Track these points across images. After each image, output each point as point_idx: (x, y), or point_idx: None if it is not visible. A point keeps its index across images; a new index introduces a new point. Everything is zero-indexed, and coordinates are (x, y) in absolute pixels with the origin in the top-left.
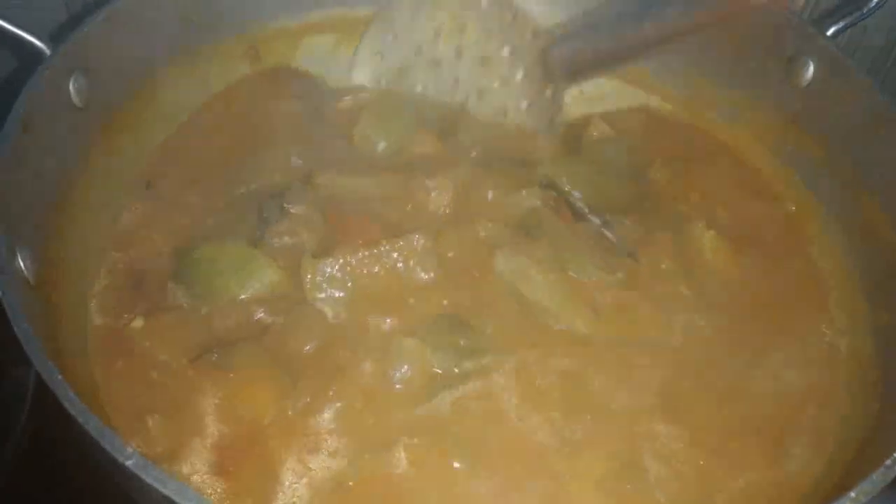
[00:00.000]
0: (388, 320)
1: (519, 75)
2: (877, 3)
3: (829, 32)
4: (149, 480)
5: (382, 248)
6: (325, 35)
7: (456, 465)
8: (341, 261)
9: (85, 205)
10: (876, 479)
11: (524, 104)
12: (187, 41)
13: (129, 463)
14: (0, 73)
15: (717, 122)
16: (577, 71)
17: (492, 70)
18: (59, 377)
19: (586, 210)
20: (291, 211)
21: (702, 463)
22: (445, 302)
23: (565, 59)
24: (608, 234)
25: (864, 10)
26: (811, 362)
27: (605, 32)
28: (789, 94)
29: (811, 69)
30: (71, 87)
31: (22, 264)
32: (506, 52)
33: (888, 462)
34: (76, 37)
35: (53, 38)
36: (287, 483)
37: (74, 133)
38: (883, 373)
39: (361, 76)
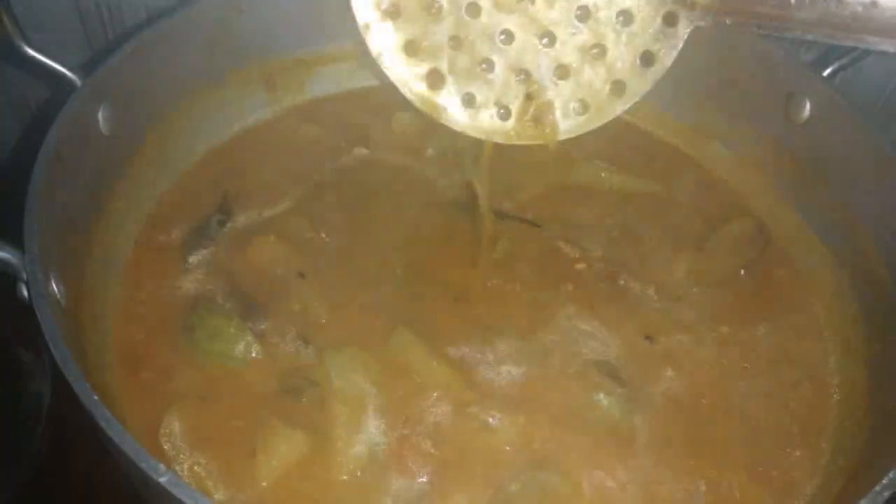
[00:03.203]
0: None
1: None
2: None
3: (827, 72)
4: (182, 498)
5: None
6: (339, 64)
7: None
8: None
9: (108, 230)
10: None
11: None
12: (208, 72)
13: (162, 480)
14: (34, 103)
15: (719, 154)
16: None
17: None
18: (95, 398)
19: None
20: None
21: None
22: None
23: None
24: None
25: (862, 50)
26: (805, 391)
27: None
28: (788, 130)
29: (808, 107)
30: (100, 116)
31: (55, 288)
32: None
33: (876, 488)
34: (105, 67)
35: (84, 69)
36: None
37: (102, 161)
38: (872, 402)
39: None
